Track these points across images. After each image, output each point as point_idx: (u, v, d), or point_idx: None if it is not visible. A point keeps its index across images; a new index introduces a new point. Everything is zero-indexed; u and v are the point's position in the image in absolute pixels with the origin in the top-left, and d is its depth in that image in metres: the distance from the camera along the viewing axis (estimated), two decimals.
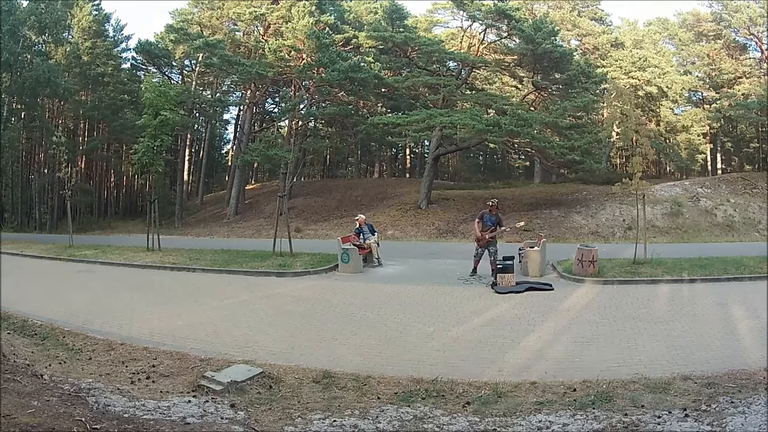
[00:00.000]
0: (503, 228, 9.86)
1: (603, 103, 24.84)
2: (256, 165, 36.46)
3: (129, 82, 31.45)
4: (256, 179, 42.39)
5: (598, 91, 24.25)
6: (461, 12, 24.50)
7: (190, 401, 3.78)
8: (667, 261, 10.11)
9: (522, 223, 10.41)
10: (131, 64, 33.11)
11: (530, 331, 6.03)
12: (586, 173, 21.64)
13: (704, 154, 31.52)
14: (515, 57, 22.95)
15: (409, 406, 3.77)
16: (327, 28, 25.33)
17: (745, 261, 9.93)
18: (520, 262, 9.85)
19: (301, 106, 25.73)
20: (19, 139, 27.78)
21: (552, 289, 8.39)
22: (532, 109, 22.66)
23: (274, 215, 17.76)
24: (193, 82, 30.22)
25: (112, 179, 37.16)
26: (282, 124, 32.29)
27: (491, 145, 27.42)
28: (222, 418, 3.46)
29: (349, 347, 5.61)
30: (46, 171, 30.30)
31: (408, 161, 41.96)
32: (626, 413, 3.44)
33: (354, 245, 10.76)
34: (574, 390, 4.02)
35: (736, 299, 7.32)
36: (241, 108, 30.32)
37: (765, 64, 27.05)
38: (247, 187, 32.69)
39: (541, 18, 22.67)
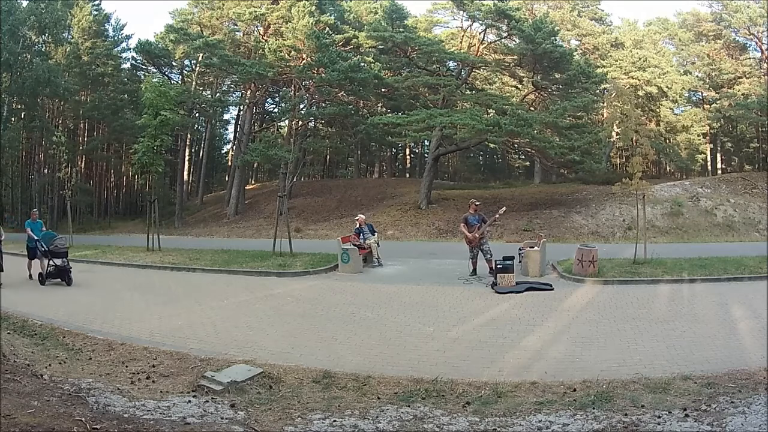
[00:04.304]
0: (489, 221, 9.93)
1: (603, 103, 24.92)
2: (256, 165, 36.53)
3: (129, 82, 31.52)
4: (256, 179, 42.43)
5: (598, 91, 24.27)
6: (461, 12, 24.54)
7: (190, 401, 3.77)
8: (667, 261, 10.10)
9: (503, 209, 10.39)
10: (131, 64, 33.18)
11: (530, 331, 6.02)
12: (586, 173, 21.67)
13: (704, 154, 31.53)
14: (515, 57, 22.96)
15: (409, 406, 3.77)
16: (327, 28, 25.35)
17: (745, 261, 9.93)
18: (520, 262, 9.85)
19: (301, 106, 25.76)
20: (19, 139, 27.81)
21: (552, 289, 8.39)
22: (532, 109, 22.68)
23: (274, 215, 17.77)
24: (193, 82, 30.24)
25: (112, 179, 37.20)
26: (282, 124, 32.35)
27: (491, 145, 27.47)
28: (222, 418, 3.45)
29: (349, 347, 5.61)
30: (46, 171, 30.33)
31: (408, 161, 41.98)
32: (626, 413, 3.44)
33: (354, 245, 10.76)
34: (574, 390, 4.01)
35: (736, 299, 7.31)
36: (241, 108, 30.34)
37: (765, 64, 27.06)
38: (247, 187, 32.71)
39: (541, 18, 22.66)
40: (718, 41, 28.30)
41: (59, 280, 9.43)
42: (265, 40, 25.56)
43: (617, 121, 12.53)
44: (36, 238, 9.79)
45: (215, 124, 38.34)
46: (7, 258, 9.76)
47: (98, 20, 31.53)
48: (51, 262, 9.47)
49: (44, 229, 10.53)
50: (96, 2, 32.08)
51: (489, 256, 9.42)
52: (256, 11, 25.72)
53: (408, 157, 41.65)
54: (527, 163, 36.01)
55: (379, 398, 3.99)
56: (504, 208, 10.58)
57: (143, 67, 32.33)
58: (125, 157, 30.55)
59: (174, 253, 13.38)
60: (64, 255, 9.59)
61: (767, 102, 23.53)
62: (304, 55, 24.44)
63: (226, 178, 35.63)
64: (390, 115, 26.09)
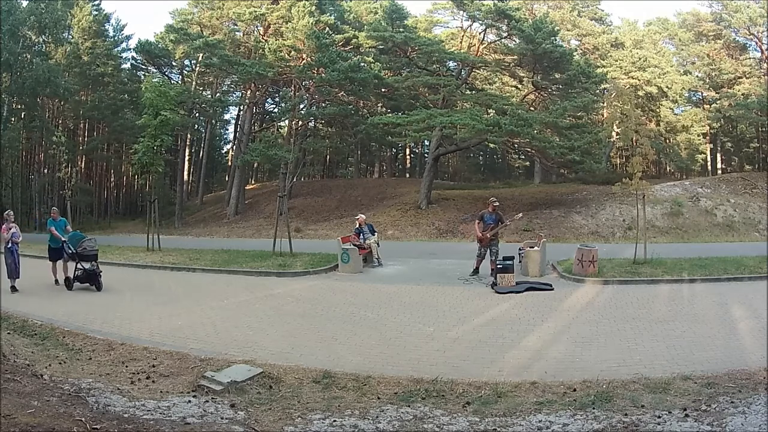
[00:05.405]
0: (505, 224, 9.90)
1: (603, 103, 24.92)
2: (256, 165, 36.52)
3: (129, 82, 31.52)
4: (256, 179, 42.42)
5: (598, 91, 24.27)
6: (461, 12, 24.54)
7: (190, 401, 3.78)
8: (667, 261, 10.11)
9: (520, 215, 10.41)
10: (131, 64, 33.19)
11: (530, 331, 6.03)
12: (586, 173, 21.68)
13: (704, 154, 31.54)
14: (515, 57, 22.96)
15: (409, 406, 3.77)
16: (327, 28, 25.35)
17: (745, 261, 9.93)
18: (520, 262, 9.85)
19: (301, 106, 25.76)
20: (19, 139, 27.77)
21: (552, 289, 8.39)
22: (532, 109, 22.67)
23: (274, 215, 17.77)
24: (193, 82, 30.24)
25: (112, 179, 37.19)
26: (282, 124, 32.35)
27: (491, 145, 27.48)
28: (222, 418, 3.46)
29: (349, 347, 5.61)
30: (46, 171, 30.30)
31: (408, 161, 41.98)
32: (626, 413, 3.44)
33: (354, 245, 10.76)
34: (574, 390, 4.02)
35: (736, 299, 7.31)
36: (241, 108, 30.34)
37: (765, 64, 27.06)
38: (247, 187, 32.71)
39: (541, 18, 22.67)
40: (718, 41, 28.29)
41: (88, 284, 8.75)
42: (265, 40, 25.56)
43: (617, 121, 12.53)
44: (63, 239, 8.92)
45: (215, 124, 38.35)
46: (24, 261, 9.16)
47: (98, 20, 31.52)
48: (79, 266, 8.74)
49: (69, 227, 9.60)
50: (96, 2, 32.09)
51: (494, 257, 9.38)
52: (256, 11, 25.72)
53: (408, 157, 41.65)
54: (527, 163, 36.01)
55: (379, 398, 3.99)
56: (521, 214, 10.62)
57: (143, 67, 32.33)
58: (125, 157, 30.55)
59: (174, 253, 13.38)
60: (94, 258, 8.79)
61: (767, 102, 23.53)
62: (304, 55, 24.44)
63: (226, 178, 35.63)
64: (390, 115, 26.09)
